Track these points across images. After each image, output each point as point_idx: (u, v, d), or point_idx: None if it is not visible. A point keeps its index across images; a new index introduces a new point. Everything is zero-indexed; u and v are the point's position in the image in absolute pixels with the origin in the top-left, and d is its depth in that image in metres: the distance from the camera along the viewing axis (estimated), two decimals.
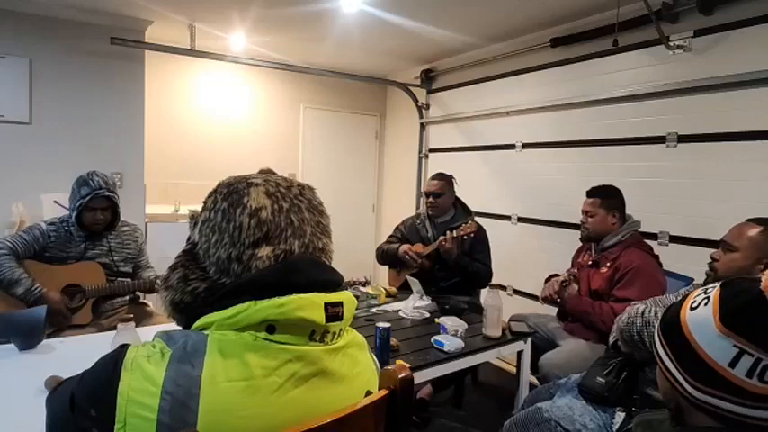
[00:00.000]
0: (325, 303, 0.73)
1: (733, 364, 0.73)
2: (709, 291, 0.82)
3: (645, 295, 1.97)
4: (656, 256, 2.30)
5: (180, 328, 0.79)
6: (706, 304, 0.79)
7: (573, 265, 2.58)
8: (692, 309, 0.81)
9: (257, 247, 0.74)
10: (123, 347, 0.71)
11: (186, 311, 0.76)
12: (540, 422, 1.54)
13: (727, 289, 0.79)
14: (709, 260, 1.72)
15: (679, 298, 1.74)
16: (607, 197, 2.37)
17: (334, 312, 0.73)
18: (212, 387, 0.65)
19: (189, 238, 0.81)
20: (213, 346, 0.68)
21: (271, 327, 0.69)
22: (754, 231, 1.62)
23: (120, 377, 0.66)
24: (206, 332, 0.71)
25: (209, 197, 0.80)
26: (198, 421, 0.63)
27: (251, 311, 0.69)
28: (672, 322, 0.84)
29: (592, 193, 2.42)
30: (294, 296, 0.70)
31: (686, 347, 0.79)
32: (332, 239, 0.83)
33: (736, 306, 0.76)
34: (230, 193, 0.77)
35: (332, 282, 0.77)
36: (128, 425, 0.64)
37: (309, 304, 0.71)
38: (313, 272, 0.75)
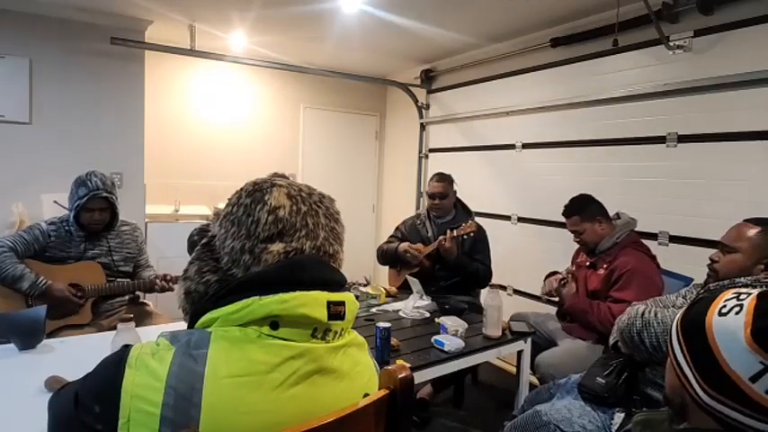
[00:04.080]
0: (327, 302, 0.74)
1: (755, 379, 0.71)
2: (742, 297, 0.77)
3: (642, 297, 1.97)
4: (654, 257, 2.29)
5: (185, 326, 0.81)
6: (738, 313, 0.75)
7: (572, 264, 2.58)
8: (720, 314, 0.77)
9: (270, 242, 0.76)
10: (127, 347, 0.73)
11: (195, 303, 0.79)
12: (540, 425, 1.54)
13: (765, 302, 0.74)
14: (709, 261, 1.72)
15: (679, 299, 1.75)
16: (583, 210, 2.36)
17: (336, 311, 0.75)
18: (215, 382, 0.66)
19: (207, 232, 0.85)
20: (216, 342, 0.69)
21: (274, 323, 0.71)
22: (753, 232, 1.62)
23: (124, 374, 0.67)
24: (209, 329, 0.72)
25: (234, 194, 0.84)
26: (201, 416, 0.64)
27: (255, 306, 0.70)
28: (695, 322, 0.80)
29: (567, 212, 2.42)
30: (298, 293, 0.72)
31: (706, 352, 0.76)
32: (343, 248, 0.86)
33: None
34: (254, 191, 0.81)
35: (335, 281, 0.79)
36: (132, 420, 0.65)
37: (312, 301, 0.72)
38: (317, 270, 0.76)
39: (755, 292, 0.77)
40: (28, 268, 2.09)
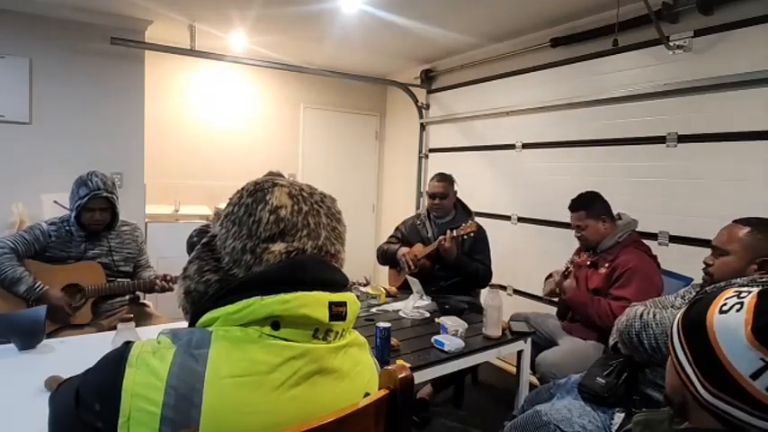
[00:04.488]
0: (329, 302, 0.74)
1: (755, 376, 0.71)
2: (743, 295, 0.78)
3: (641, 295, 1.97)
4: (654, 257, 2.30)
5: (186, 325, 0.81)
6: (738, 310, 0.75)
7: (572, 263, 2.57)
8: (721, 312, 0.77)
9: (272, 242, 0.76)
10: (128, 344, 0.72)
11: (196, 302, 0.78)
12: (540, 425, 1.54)
13: (765, 299, 0.75)
14: (703, 265, 1.72)
15: (678, 299, 1.75)
16: (590, 206, 2.37)
17: (338, 312, 0.75)
18: (216, 382, 0.66)
19: (207, 233, 0.84)
20: (217, 341, 0.69)
21: (275, 323, 0.71)
22: (742, 232, 1.62)
23: (125, 372, 0.67)
24: (210, 329, 0.72)
25: (235, 193, 0.83)
26: (201, 416, 0.64)
27: (256, 306, 0.70)
28: (696, 321, 0.80)
29: (574, 206, 2.42)
30: (299, 293, 0.71)
31: (707, 350, 0.76)
32: (345, 248, 0.85)
33: None
34: (256, 191, 0.81)
35: (337, 282, 0.78)
36: (132, 419, 0.64)
37: (314, 302, 0.72)
38: (319, 270, 0.76)
39: (756, 290, 0.78)
40: (27, 272, 2.09)
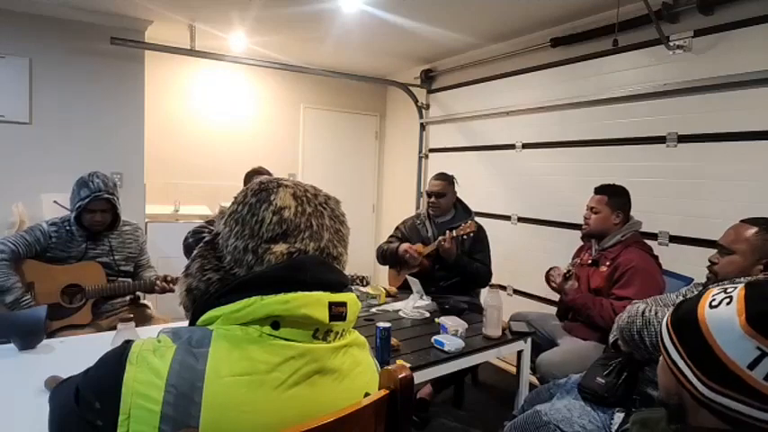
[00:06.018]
0: (329, 302, 0.74)
1: (753, 366, 0.72)
2: (729, 290, 0.79)
3: (643, 295, 1.97)
4: (656, 257, 2.30)
5: (186, 324, 0.81)
6: (728, 303, 0.76)
7: (572, 263, 2.57)
8: (711, 307, 0.78)
9: (274, 243, 0.76)
10: (128, 342, 0.72)
11: (197, 300, 0.79)
12: (540, 425, 1.54)
13: (754, 289, 0.76)
14: (708, 263, 1.72)
15: (680, 297, 1.75)
16: (614, 196, 2.37)
17: (338, 312, 0.75)
18: (216, 381, 0.66)
19: (202, 234, 0.83)
20: (218, 340, 0.69)
21: (275, 323, 0.71)
22: (749, 233, 1.62)
23: (125, 370, 0.67)
24: (210, 327, 0.72)
25: (240, 192, 0.83)
26: (201, 415, 0.64)
27: (257, 306, 0.70)
28: (686, 319, 0.81)
29: (600, 190, 2.42)
30: (299, 293, 0.72)
31: (702, 346, 0.77)
32: (347, 251, 0.85)
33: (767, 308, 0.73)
34: (260, 191, 0.80)
35: (338, 282, 0.78)
36: (132, 417, 0.65)
37: (314, 302, 0.72)
38: (319, 271, 0.76)
39: (742, 284, 0.79)
40: (20, 283, 2.08)
